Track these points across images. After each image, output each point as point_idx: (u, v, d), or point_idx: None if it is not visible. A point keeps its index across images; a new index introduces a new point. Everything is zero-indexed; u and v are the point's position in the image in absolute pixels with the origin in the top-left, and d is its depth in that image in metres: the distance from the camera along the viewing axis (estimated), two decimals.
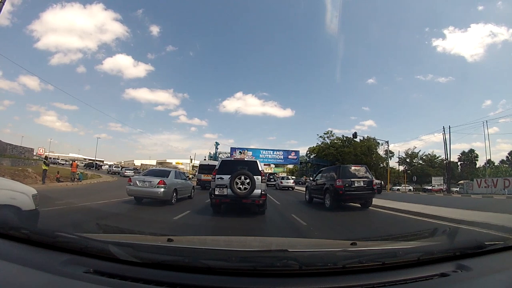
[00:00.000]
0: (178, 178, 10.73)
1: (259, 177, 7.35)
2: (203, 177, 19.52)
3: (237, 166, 7.52)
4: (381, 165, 50.63)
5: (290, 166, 62.65)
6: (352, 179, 9.41)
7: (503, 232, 5.18)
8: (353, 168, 10.08)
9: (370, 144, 50.16)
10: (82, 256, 1.11)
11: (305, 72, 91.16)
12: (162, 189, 8.99)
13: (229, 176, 7.22)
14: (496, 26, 58.76)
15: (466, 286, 1.05)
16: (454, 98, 74.19)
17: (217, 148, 49.40)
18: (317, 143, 59.85)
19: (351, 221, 7.57)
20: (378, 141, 48.19)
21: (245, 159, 8.23)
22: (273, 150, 51.72)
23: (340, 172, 9.65)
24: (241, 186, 7.16)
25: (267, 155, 50.23)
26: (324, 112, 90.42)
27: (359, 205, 10.00)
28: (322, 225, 6.76)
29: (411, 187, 43.81)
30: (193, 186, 12.86)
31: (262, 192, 7.36)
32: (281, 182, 24.24)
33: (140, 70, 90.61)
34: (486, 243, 1.32)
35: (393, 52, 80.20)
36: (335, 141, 56.96)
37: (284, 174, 45.47)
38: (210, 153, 50.00)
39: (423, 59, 75.73)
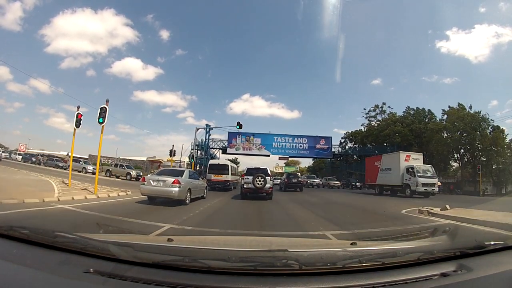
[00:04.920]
0: (192, 178, 10.30)
1: (268, 177, 12.42)
2: (213, 177, 17.84)
3: (256, 171, 12.63)
4: (504, 159, 29.18)
5: (309, 162, 45.86)
6: (291, 178, 21.13)
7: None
8: (292, 174, 23.78)
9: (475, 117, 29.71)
10: (82, 256, 1.11)
11: (311, 74, 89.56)
12: (177, 189, 8.64)
13: (252, 176, 12.15)
14: (500, 27, 57.81)
15: (466, 286, 1.05)
16: (460, 99, 72.90)
17: (209, 134, 36.04)
18: (362, 125, 43.05)
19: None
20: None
21: (260, 167, 13.45)
22: (293, 137, 35.32)
23: (287, 176, 22.17)
24: (258, 182, 11.99)
25: (284, 144, 35.01)
26: (331, 113, 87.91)
27: (298, 190, 20.46)
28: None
29: None
30: (206, 186, 12.40)
31: (270, 186, 12.39)
32: (273, 180, 36.17)
33: (149, 73, 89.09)
34: (486, 243, 1.32)
35: (397, 54, 78.06)
36: (398, 116, 37.94)
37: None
38: (198, 140, 34.98)
39: (427, 61, 74.00)
